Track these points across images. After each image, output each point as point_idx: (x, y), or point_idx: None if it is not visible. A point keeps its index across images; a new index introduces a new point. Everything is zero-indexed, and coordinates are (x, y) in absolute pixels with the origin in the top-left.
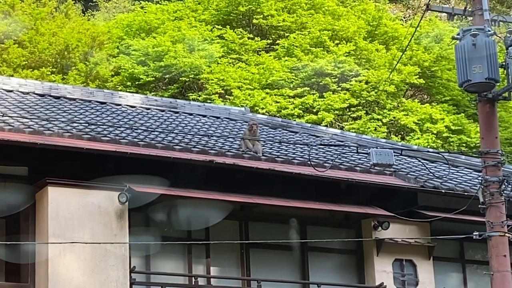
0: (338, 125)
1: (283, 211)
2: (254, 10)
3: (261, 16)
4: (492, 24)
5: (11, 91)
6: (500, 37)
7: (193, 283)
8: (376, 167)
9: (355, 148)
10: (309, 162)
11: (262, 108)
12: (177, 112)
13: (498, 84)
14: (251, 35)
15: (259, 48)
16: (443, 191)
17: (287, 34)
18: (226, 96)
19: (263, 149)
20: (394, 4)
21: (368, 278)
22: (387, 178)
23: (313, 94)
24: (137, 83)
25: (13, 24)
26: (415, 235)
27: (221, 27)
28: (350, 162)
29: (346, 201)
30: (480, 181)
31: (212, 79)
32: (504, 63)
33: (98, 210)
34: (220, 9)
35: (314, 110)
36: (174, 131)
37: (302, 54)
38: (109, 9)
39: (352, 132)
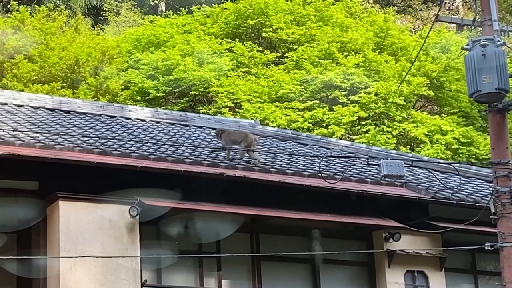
0: (348, 137)
1: (294, 223)
2: (263, 23)
3: (270, 29)
4: (501, 34)
5: (21, 106)
6: (509, 47)
7: None
8: (386, 179)
9: (365, 159)
10: (319, 174)
11: (272, 122)
12: (187, 125)
13: (508, 94)
14: (260, 48)
15: (268, 61)
16: (454, 202)
17: (296, 47)
18: (236, 109)
19: (274, 161)
20: (403, 15)
21: None
22: (398, 190)
23: (323, 107)
24: (147, 97)
25: (23, 39)
26: (426, 247)
27: (230, 40)
28: (361, 173)
29: (357, 213)
30: (491, 191)
31: (221, 92)
32: None
33: (109, 224)
34: (229, 22)
35: (324, 124)
36: (184, 144)
37: (311, 67)
38: (118, 23)
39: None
